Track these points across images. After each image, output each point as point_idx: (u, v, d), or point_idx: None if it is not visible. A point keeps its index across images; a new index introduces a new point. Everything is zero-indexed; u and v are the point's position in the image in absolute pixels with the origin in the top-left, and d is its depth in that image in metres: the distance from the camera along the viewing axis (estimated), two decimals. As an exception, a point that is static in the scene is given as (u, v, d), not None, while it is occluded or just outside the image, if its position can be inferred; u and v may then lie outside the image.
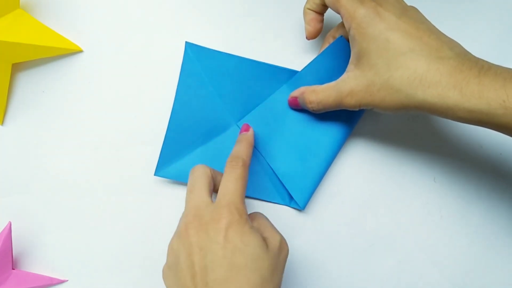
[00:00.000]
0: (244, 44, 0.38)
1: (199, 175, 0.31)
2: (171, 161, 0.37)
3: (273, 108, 0.37)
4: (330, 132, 0.37)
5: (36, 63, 0.37)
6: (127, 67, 0.38)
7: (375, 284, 0.38)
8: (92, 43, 0.37)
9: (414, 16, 0.30)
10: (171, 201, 0.38)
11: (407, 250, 0.38)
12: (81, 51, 0.37)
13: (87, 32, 0.37)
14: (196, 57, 0.37)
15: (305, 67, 0.37)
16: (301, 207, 0.38)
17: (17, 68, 0.37)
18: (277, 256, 0.29)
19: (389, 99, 0.30)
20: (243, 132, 0.36)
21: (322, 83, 0.36)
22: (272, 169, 0.38)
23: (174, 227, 0.38)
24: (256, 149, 0.37)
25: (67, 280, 0.38)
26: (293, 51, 0.38)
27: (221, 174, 0.32)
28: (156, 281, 0.38)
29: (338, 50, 0.37)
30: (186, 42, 0.37)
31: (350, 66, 0.32)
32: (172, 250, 0.29)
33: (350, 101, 0.32)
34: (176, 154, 0.37)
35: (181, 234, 0.29)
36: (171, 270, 0.29)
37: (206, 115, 0.37)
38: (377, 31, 0.30)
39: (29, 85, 0.38)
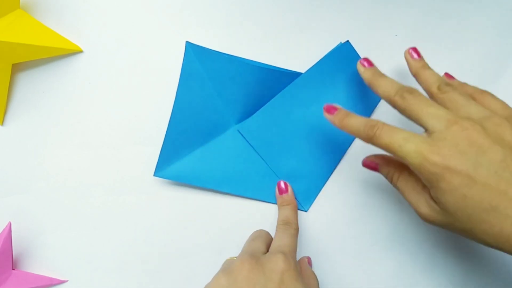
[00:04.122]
0: (245, 44, 0.38)
1: (263, 233, 0.35)
2: (170, 162, 0.37)
3: (275, 110, 0.37)
4: (335, 135, 0.37)
5: (36, 63, 0.37)
6: (127, 67, 0.38)
7: (375, 285, 0.38)
8: (92, 43, 0.37)
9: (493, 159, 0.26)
10: (171, 201, 0.38)
11: (408, 250, 0.38)
12: (81, 51, 0.37)
13: (87, 32, 0.37)
14: (197, 57, 0.37)
15: (308, 69, 0.37)
16: (304, 209, 0.38)
17: (17, 68, 0.37)
18: None
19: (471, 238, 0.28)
20: (282, 193, 0.37)
21: (325, 86, 0.36)
22: (273, 171, 0.38)
23: (174, 227, 0.38)
24: (256, 151, 0.37)
25: (67, 280, 0.38)
26: (294, 53, 0.38)
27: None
28: (156, 281, 0.38)
29: (342, 54, 0.37)
30: (186, 42, 0.37)
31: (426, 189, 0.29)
32: (220, 282, 0.29)
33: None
34: (175, 154, 0.37)
35: (233, 269, 0.29)
36: None
37: (206, 116, 0.37)
38: (452, 187, 0.26)
39: (29, 85, 0.38)
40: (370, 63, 0.35)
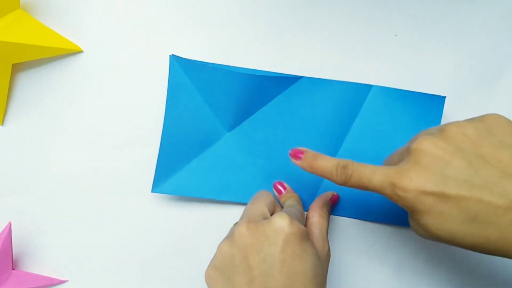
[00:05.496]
0: (245, 45, 0.38)
1: (264, 194, 0.33)
2: (167, 176, 0.37)
3: (273, 112, 0.37)
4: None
5: (36, 63, 0.37)
6: (128, 67, 0.38)
7: (375, 285, 0.38)
8: (92, 43, 0.37)
9: None
10: (171, 201, 0.38)
11: (408, 250, 0.38)
12: (81, 51, 0.37)
13: (87, 32, 0.37)
14: (183, 70, 0.36)
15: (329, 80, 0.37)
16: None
17: (17, 68, 0.37)
18: (325, 264, 0.30)
19: None
20: (281, 193, 0.36)
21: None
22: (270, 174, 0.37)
23: (174, 227, 0.38)
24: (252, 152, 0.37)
25: (67, 280, 0.38)
26: (293, 54, 0.38)
27: (280, 207, 0.34)
28: (156, 281, 0.38)
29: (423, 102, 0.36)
30: (170, 55, 0.37)
31: None
32: (222, 253, 0.28)
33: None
34: (171, 168, 0.37)
35: (235, 236, 0.28)
36: (220, 272, 0.28)
37: (198, 127, 0.37)
38: (428, 207, 0.25)
39: (29, 85, 0.38)
40: (301, 152, 0.32)
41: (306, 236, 0.28)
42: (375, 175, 0.27)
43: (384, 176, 0.26)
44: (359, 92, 0.37)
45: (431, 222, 0.25)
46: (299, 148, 0.32)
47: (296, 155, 0.31)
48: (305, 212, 0.35)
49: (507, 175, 0.24)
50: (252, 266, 0.27)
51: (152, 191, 0.37)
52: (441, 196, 0.24)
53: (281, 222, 0.27)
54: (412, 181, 0.25)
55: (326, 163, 0.29)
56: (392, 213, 0.37)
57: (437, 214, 0.25)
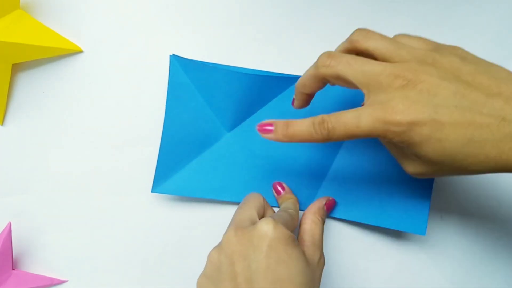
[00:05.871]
0: (246, 46, 0.38)
1: (253, 197, 0.32)
2: (167, 176, 0.37)
3: (273, 112, 0.37)
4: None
5: (36, 63, 0.37)
6: (127, 67, 0.38)
7: (375, 284, 0.38)
8: (92, 43, 0.37)
9: None
10: (171, 201, 0.38)
11: (408, 250, 0.38)
12: (81, 51, 0.37)
13: (87, 32, 0.37)
14: (183, 69, 0.36)
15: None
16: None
17: (17, 68, 0.37)
18: (317, 272, 0.29)
19: None
20: (280, 194, 0.36)
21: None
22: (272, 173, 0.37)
23: (173, 227, 0.38)
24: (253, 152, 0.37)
25: (67, 281, 0.38)
26: (294, 55, 0.38)
27: (272, 209, 0.33)
28: (155, 281, 0.38)
29: None
30: (170, 55, 0.37)
31: None
32: (211, 260, 0.28)
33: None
34: (171, 168, 0.37)
35: (222, 244, 0.28)
36: (210, 280, 0.28)
37: (198, 127, 0.37)
38: (425, 137, 0.26)
39: (29, 85, 0.38)
40: (269, 125, 0.30)
41: (292, 241, 0.28)
42: (361, 118, 0.26)
43: (371, 117, 0.26)
44: (359, 92, 0.37)
45: (431, 150, 0.25)
46: (265, 121, 0.30)
47: (264, 129, 0.30)
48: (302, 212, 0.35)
49: (491, 95, 0.25)
50: (238, 272, 0.27)
51: (152, 191, 0.37)
52: (436, 124, 0.25)
53: (265, 227, 0.27)
54: (404, 115, 0.25)
55: (301, 126, 0.28)
56: (391, 215, 0.36)
57: (435, 142, 0.25)
